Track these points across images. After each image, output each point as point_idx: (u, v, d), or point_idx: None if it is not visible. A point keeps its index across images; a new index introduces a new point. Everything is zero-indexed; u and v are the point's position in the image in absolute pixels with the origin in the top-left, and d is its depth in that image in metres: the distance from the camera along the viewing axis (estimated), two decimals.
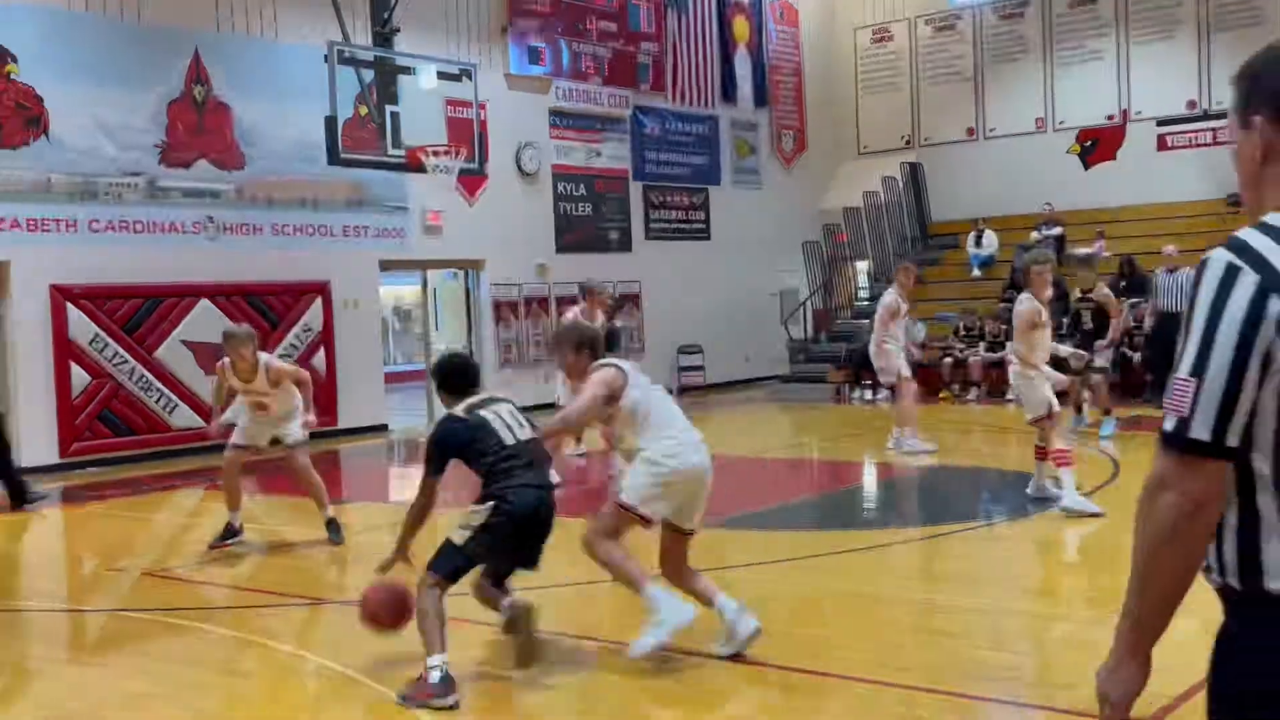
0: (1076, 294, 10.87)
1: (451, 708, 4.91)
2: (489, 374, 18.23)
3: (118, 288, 13.80)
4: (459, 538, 5.24)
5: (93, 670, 6.20)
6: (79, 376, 13.44)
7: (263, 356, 8.64)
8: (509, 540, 5.27)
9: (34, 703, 5.66)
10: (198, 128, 14.60)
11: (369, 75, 13.59)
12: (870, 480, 11.60)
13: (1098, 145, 21.97)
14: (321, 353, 15.71)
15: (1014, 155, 22.51)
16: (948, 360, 18.37)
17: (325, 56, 12.70)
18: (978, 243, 21.35)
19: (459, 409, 5.45)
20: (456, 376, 5.65)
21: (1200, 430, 1.82)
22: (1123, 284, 16.92)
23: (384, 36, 13.99)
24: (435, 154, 13.09)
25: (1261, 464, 1.84)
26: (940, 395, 17.97)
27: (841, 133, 24.68)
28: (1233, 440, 1.83)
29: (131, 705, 5.37)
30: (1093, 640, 5.83)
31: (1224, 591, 1.94)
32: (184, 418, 14.31)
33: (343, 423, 15.84)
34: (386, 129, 13.22)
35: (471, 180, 17.03)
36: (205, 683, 5.65)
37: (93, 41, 13.70)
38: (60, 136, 13.44)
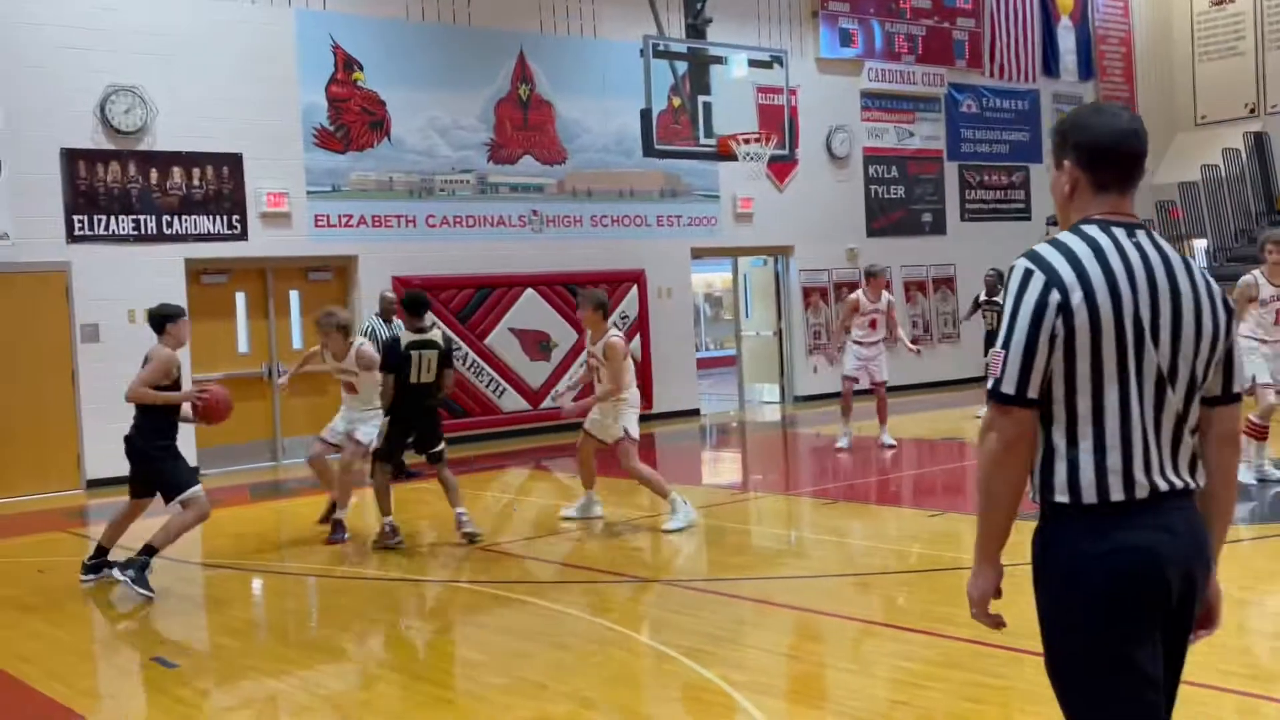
0: None
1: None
2: (798, 359, 18.26)
3: (452, 279, 14.71)
4: None
5: (430, 637, 6.66)
6: None
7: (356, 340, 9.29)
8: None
9: (375, 662, 6.16)
10: (523, 125, 15.34)
11: (682, 67, 13.86)
12: None
13: None
14: (637, 339, 16.18)
15: None
16: None
17: (640, 51, 13.04)
18: None
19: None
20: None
21: (1008, 387, 2.52)
22: None
23: (696, 28, 14.23)
24: (746, 141, 13.19)
25: (1055, 409, 2.53)
26: None
27: (1176, 103, 23.11)
28: (1032, 394, 2.51)
29: (461, 668, 5.74)
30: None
31: (1038, 505, 2.61)
32: (513, 401, 15.12)
33: (657, 407, 16.27)
34: (699, 119, 13.44)
35: (781, 167, 17.08)
36: (529, 652, 5.96)
37: (428, 48, 14.64)
38: (401, 138, 14.44)
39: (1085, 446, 2.51)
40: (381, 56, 14.30)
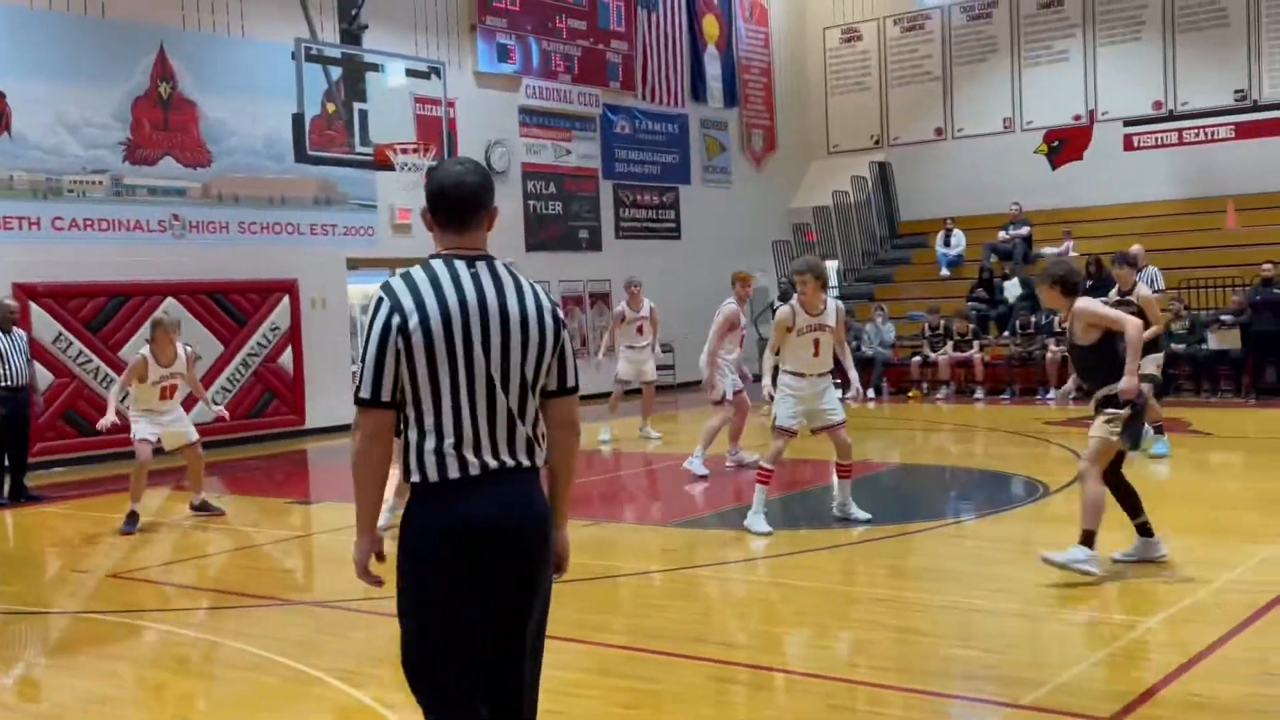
0: (1114, 295, 10.64)
1: None
2: None
3: (82, 286, 13.65)
4: None
5: (54, 672, 6.12)
6: (43, 376, 13.24)
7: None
8: None
9: None
10: (163, 125, 14.46)
11: (337, 73, 13.50)
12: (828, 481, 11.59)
13: (1065, 145, 22.11)
14: (289, 352, 15.59)
15: (982, 155, 22.64)
16: (916, 359, 18.44)
17: (292, 53, 12.59)
18: (946, 242, 21.44)
19: None
20: None
21: (365, 392, 3.07)
22: (1089, 283, 16.98)
23: (351, 34, 13.90)
24: (404, 151, 13.00)
25: (409, 409, 3.09)
26: (909, 395, 18.03)
27: (811, 132, 24.73)
28: (385, 397, 3.06)
29: (91, 707, 5.30)
30: (1060, 635, 5.86)
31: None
32: None
33: (310, 422, 15.74)
34: (354, 126, 13.13)
35: None
36: (166, 684, 5.58)
37: (55, 38, 13.54)
38: (23, 134, 13.27)
39: (430, 437, 3.06)
40: (2, 44, 13.10)
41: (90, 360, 13.69)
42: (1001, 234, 20.38)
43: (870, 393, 18.37)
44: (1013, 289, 18.96)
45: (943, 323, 18.53)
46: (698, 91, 22.19)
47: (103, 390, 13.78)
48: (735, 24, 23.02)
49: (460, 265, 3.13)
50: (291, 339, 15.62)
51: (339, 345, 16.62)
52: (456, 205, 3.19)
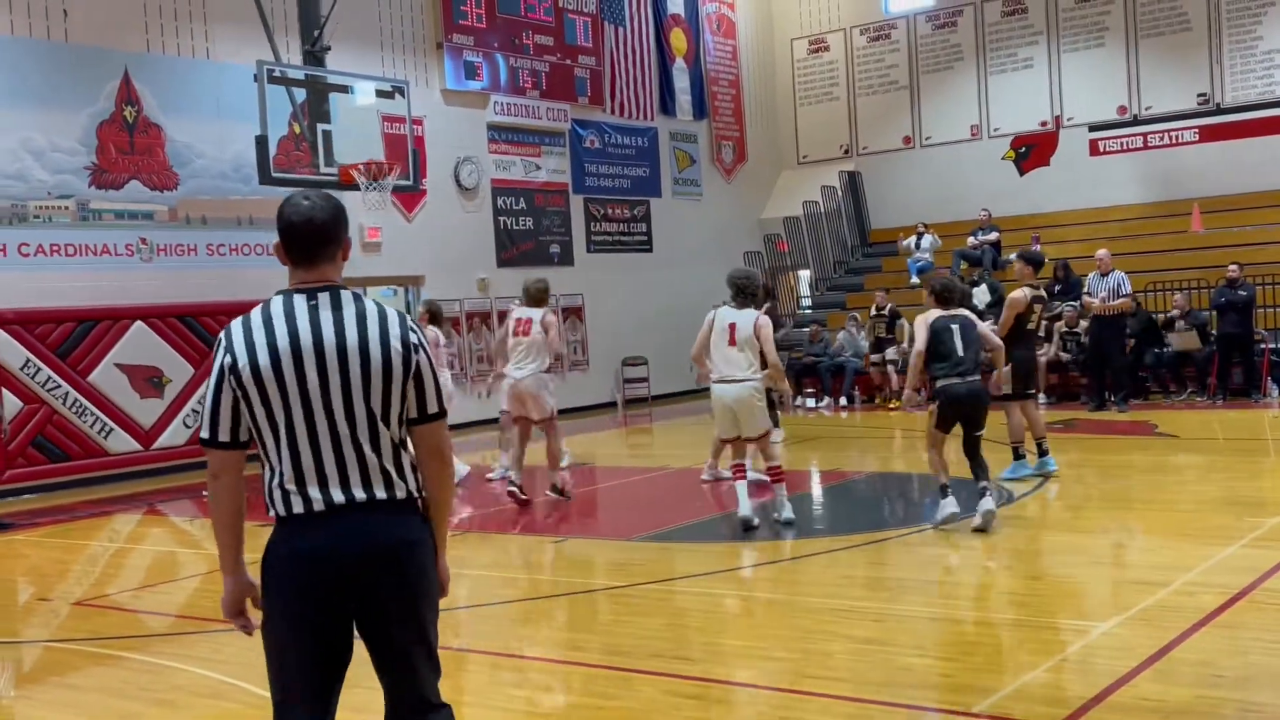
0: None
1: None
2: None
3: (49, 312, 13.62)
4: None
5: (17, 704, 6.11)
6: (10, 402, 13.24)
7: None
8: None
9: None
10: (129, 148, 14.46)
11: (301, 94, 13.51)
12: (807, 490, 11.66)
13: (1032, 151, 22.30)
14: None
15: (950, 162, 22.81)
16: (875, 366, 18.45)
17: (255, 76, 12.61)
18: (917, 245, 21.55)
19: None
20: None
21: (205, 432, 3.16)
22: (1057, 288, 17.16)
23: (315, 55, 13.93)
24: (367, 172, 13.02)
25: (260, 447, 3.14)
26: (891, 406, 17.94)
27: (780, 143, 24.87)
28: (224, 437, 3.14)
29: None
30: (1015, 642, 5.93)
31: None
32: (120, 442, 14.15)
33: None
34: (319, 147, 13.14)
35: (410, 197, 16.99)
36: (133, 713, 5.59)
37: (17, 64, 13.54)
38: None
39: (276, 473, 3.12)
40: None
41: (59, 386, 13.65)
42: (970, 240, 20.52)
43: (843, 401, 18.47)
44: (981, 295, 19.04)
45: (890, 306, 18.57)
46: (667, 105, 22.29)
47: (72, 416, 13.76)
48: (703, 37, 23.14)
49: (300, 300, 3.14)
50: None
51: None
52: (302, 240, 3.20)
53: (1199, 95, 20.83)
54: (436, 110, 17.86)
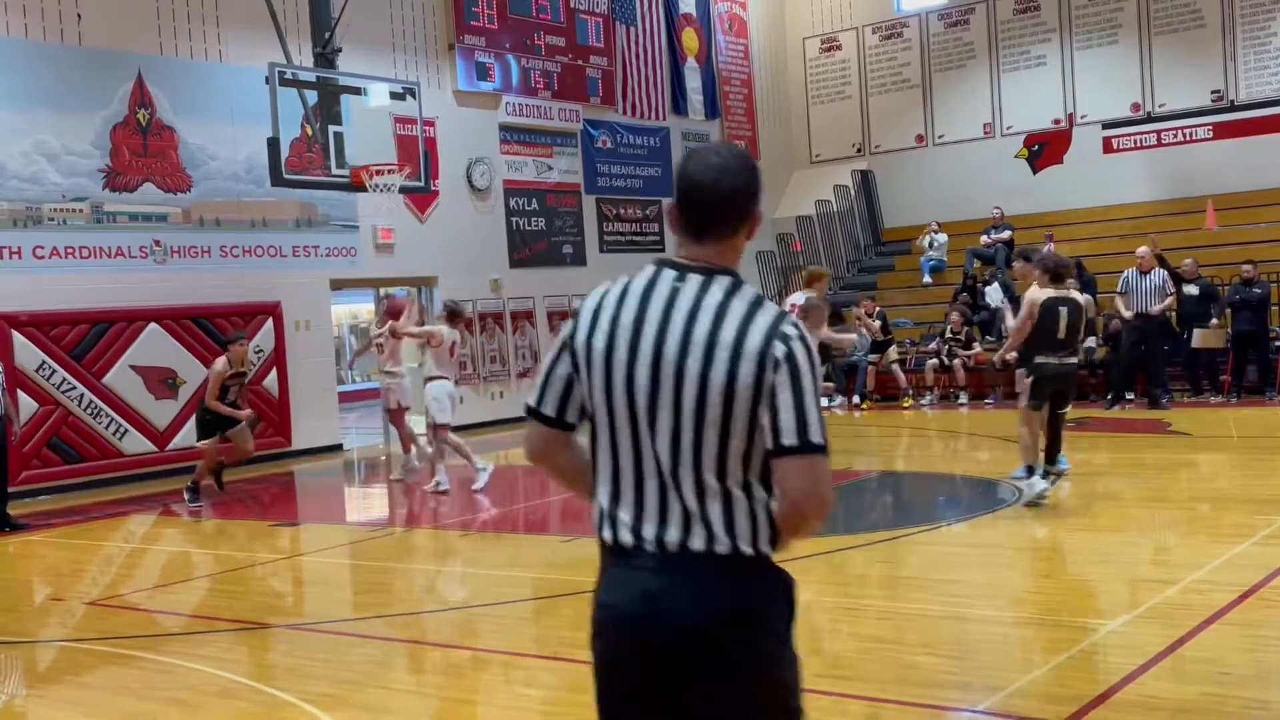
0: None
1: None
2: None
3: (64, 314, 13.70)
4: None
5: (31, 704, 6.16)
6: (26, 404, 13.31)
7: None
8: None
9: None
10: (143, 151, 14.53)
11: (313, 96, 13.57)
12: None
13: (1045, 149, 22.22)
14: (274, 374, 15.64)
15: (963, 161, 22.74)
16: (896, 366, 18.48)
17: (266, 79, 12.67)
18: (930, 244, 21.51)
19: None
20: None
21: (532, 397, 2.60)
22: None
23: (326, 57, 13.98)
24: (376, 173, 13.08)
25: (591, 440, 2.56)
26: (904, 405, 17.95)
27: (793, 142, 24.85)
28: (548, 410, 2.58)
29: None
30: (1022, 640, 5.93)
31: None
32: (135, 443, 14.22)
33: (297, 444, 15.78)
34: (330, 149, 13.20)
35: (422, 198, 17.04)
36: (146, 713, 5.63)
37: (32, 67, 13.62)
38: (2, 163, 13.34)
39: (597, 483, 2.54)
40: None
41: (75, 388, 13.73)
42: (983, 238, 20.48)
43: (856, 399, 18.46)
44: (994, 294, 19.04)
45: (879, 310, 18.73)
46: (679, 104, 22.29)
47: (87, 417, 13.84)
48: (715, 36, 23.13)
49: (666, 277, 2.51)
50: (276, 361, 15.67)
51: (324, 367, 16.70)
52: (700, 209, 2.54)
53: (1213, 92, 20.74)
54: (448, 111, 17.90)
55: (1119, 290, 15.97)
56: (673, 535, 2.41)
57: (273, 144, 12.67)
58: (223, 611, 7.73)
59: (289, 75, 13.02)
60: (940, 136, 23.32)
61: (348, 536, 10.28)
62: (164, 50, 14.79)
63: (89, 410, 13.86)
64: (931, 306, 19.95)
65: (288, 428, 15.78)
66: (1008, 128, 22.60)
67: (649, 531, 2.43)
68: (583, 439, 2.59)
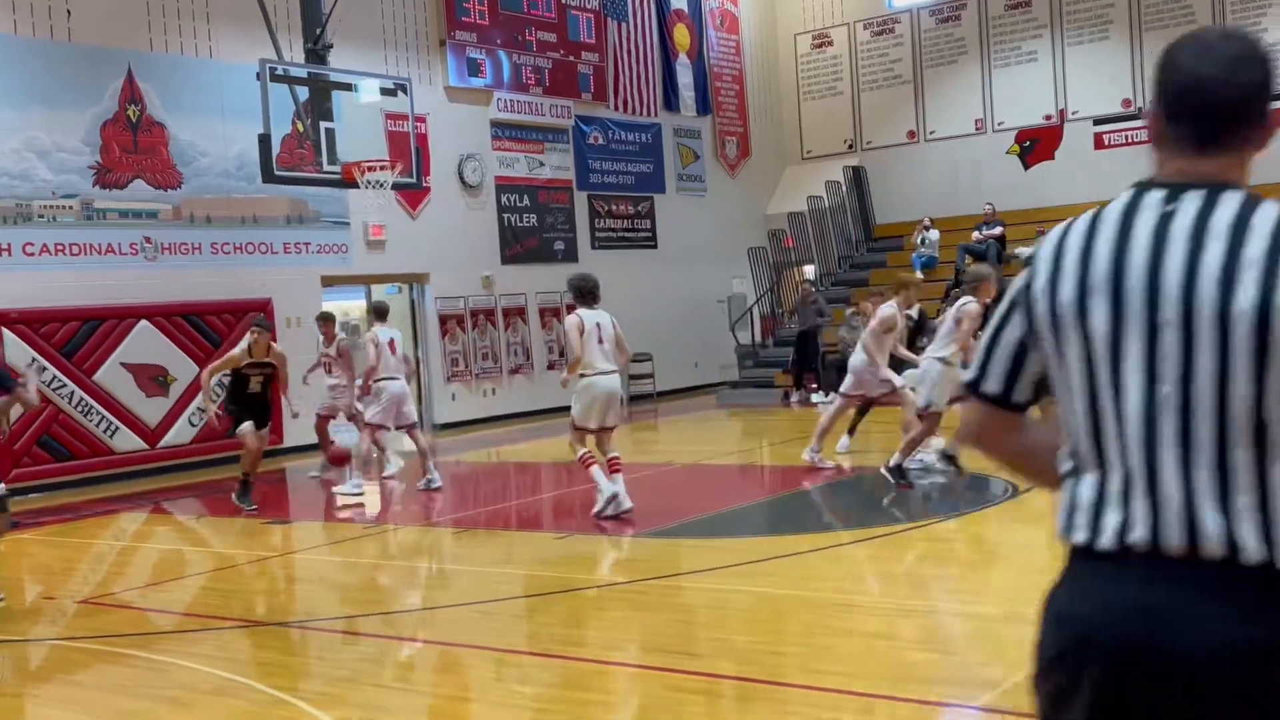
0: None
1: None
2: (436, 387, 18.21)
3: (55, 311, 13.64)
4: None
5: (25, 702, 6.13)
6: None
7: None
8: None
9: None
10: (133, 148, 14.47)
11: (304, 92, 13.52)
12: (815, 485, 11.65)
13: (1036, 145, 22.25)
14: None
15: (955, 157, 22.77)
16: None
17: (257, 75, 12.62)
18: (922, 241, 21.53)
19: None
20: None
21: (972, 370, 2.09)
22: None
23: (317, 53, 13.92)
24: (368, 169, 13.03)
25: (1062, 421, 2.01)
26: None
27: (784, 138, 24.84)
28: (992, 386, 2.06)
29: None
30: (1019, 635, 5.92)
31: None
32: (126, 441, 14.18)
33: (288, 441, 15.72)
34: (321, 145, 13.15)
35: (413, 194, 16.99)
36: (139, 711, 5.60)
37: (21, 63, 13.56)
38: None
39: (1070, 470, 1.99)
40: None
41: (65, 385, 13.68)
42: (975, 234, 20.50)
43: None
44: None
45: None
46: (670, 101, 22.28)
47: (78, 415, 13.78)
48: (706, 32, 23.11)
49: (1152, 201, 1.91)
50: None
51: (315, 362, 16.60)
52: (1197, 111, 1.91)
53: None
54: (440, 107, 17.86)
55: None
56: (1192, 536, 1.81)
57: (264, 140, 12.62)
58: (216, 609, 7.70)
59: (280, 71, 12.96)
60: (932, 132, 23.33)
61: (340, 534, 10.26)
62: (154, 46, 14.74)
63: (80, 408, 13.81)
64: (924, 303, 19.89)
65: (279, 425, 15.68)
66: (999, 124, 22.63)
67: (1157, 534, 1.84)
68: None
